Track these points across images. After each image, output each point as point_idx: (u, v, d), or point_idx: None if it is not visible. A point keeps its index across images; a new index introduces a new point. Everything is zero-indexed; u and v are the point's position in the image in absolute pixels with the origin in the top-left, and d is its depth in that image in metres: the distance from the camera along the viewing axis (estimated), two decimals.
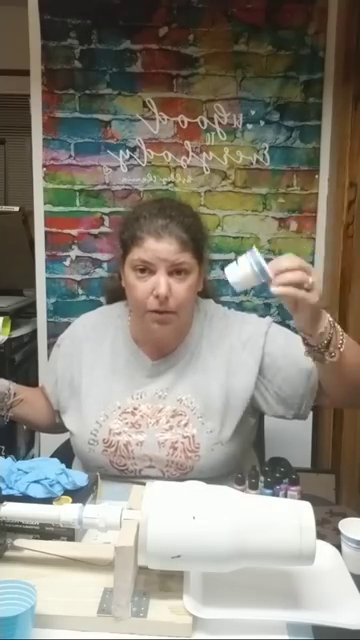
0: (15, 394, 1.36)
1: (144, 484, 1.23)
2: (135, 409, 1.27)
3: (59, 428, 1.42)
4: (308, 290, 0.97)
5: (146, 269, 1.20)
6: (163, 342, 1.29)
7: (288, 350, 1.25)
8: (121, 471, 1.26)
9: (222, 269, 2.34)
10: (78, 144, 2.15)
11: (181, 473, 1.24)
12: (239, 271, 1.00)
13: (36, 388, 1.50)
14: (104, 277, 2.13)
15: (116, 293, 1.39)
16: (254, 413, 1.32)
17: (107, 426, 1.26)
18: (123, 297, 1.35)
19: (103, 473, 1.26)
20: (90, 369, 1.33)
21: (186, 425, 1.24)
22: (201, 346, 1.30)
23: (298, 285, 0.96)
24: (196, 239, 1.23)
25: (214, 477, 1.23)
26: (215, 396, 1.26)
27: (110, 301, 1.46)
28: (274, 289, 0.96)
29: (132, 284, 1.22)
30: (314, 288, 0.97)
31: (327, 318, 1.04)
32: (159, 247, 1.18)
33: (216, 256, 2.16)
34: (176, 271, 1.20)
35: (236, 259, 1.01)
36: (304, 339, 1.06)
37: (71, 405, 1.35)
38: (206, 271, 1.34)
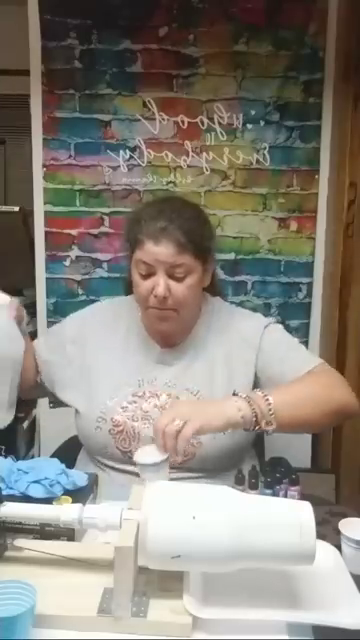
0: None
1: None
2: (144, 394, 1.30)
3: (38, 390, 1.43)
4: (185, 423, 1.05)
5: (147, 270, 1.24)
6: (168, 334, 1.34)
7: (279, 348, 1.33)
8: (124, 453, 1.28)
9: (222, 269, 2.35)
10: (78, 144, 2.15)
11: (183, 460, 1.25)
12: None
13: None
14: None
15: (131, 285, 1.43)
16: None
17: (117, 407, 1.30)
18: None
19: (105, 454, 1.30)
20: (104, 351, 1.36)
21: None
22: (208, 339, 1.35)
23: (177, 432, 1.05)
24: (196, 240, 1.24)
25: (215, 470, 1.27)
26: (219, 387, 1.30)
27: (128, 293, 1.47)
28: (177, 457, 1.09)
29: (136, 282, 1.28)
30: (184, 419, 1.06)
31: (235, 408, 1.10)
32: (157, 250, 1.22)
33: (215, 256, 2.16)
34: (176, 272, 1.23)
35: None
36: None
37: (79, 385, 1.36)
38: (214, 267, 1.38)
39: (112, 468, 1.30)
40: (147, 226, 1.24)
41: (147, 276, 1.24)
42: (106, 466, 1.31)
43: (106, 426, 1.28)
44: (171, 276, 1.23)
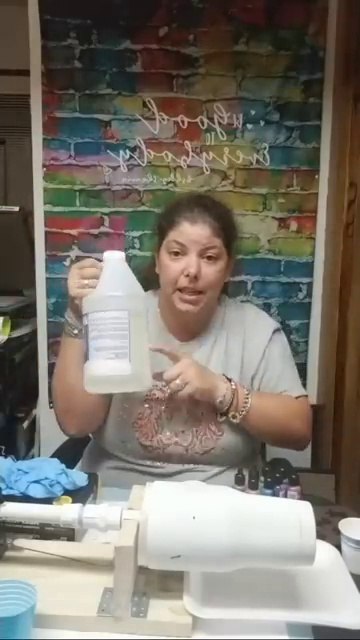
0: None
1: (161, 468, 1.30)
2: (164, 387, 1.32)
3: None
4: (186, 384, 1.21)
5: (179, 251, 1.30)
6: (189, 323, 1.37)
7: (278, 362, 1.40)
8: (144, 447, 1.31)
9: None
10: (78, 144, 2.15)
11: (204, 451, 1.30)
12: None
13: None
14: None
15: (146, 282, 1.42)
16: None
17: (140, 399, 1.33)
18: (151, 287, 1.41)
19: (123, 448, 1.33)
20: None
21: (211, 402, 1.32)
22: (222, 332, 1.41)
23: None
24: (227, 229, 1.34)
25: (232, 460, 1.32)
26: (234, 378, 1.35)
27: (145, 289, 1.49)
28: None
29: (166, 264, 1.32)
30: (186, 381, 1.21)
31: (222, 392, 1.26)
32: (193, 231, 1.29)
33: None
34: (207, 255, 1.30)
35: None
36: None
37: None
38: (232, 268, 1.42)
39: (127, 462, 1.32)
40: (184, 210, 1.32)
41: (178, 258, 1.29)
42: (120, 459, 1.33)
43: (130, 419, 1.31)
44: (202, 259, 1.29)
